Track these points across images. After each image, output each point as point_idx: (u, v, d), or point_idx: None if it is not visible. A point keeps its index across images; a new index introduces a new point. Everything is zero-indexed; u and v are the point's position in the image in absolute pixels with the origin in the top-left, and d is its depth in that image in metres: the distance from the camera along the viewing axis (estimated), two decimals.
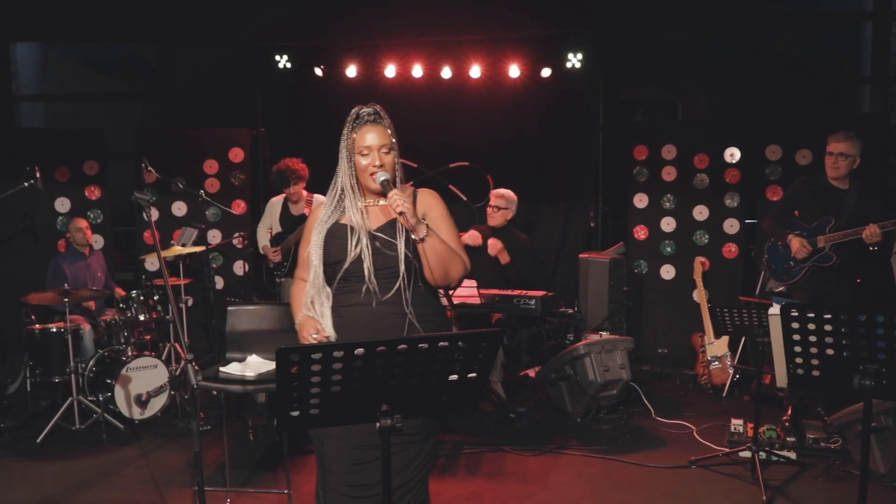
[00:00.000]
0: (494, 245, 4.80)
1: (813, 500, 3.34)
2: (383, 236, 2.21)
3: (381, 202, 2.28)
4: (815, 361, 2.34)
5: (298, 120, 6.23)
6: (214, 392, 4.33)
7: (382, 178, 2.19)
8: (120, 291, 5.12)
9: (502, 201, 4.93)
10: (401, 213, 2.11)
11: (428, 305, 2.27)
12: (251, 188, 6.20)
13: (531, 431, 4.29)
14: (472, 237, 4.85)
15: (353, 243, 2.20)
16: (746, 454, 3.68)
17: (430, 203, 2.31)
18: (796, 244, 4.13)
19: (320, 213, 2.32)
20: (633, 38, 6.74)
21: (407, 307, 2.19)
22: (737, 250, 5.69)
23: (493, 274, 4.79)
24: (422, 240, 2.15)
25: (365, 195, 2.30)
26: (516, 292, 4.51)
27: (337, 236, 2.24)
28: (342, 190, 2.29)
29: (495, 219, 4.94)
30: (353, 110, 2.27)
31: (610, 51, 6.17)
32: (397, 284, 2.19)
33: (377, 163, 2.21)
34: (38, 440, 4.13)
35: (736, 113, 7.19)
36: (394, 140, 2.25)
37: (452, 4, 5.37)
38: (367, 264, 2.18)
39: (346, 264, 2.21)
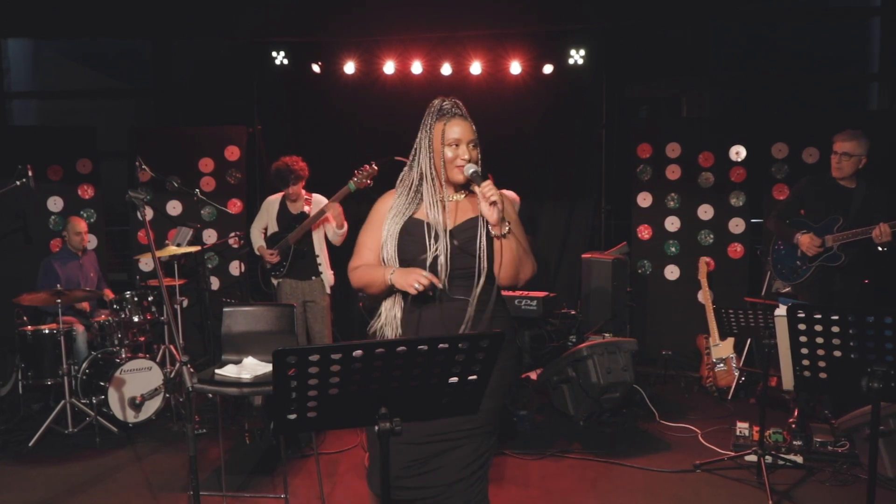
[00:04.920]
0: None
1: None
2: (463, 234, 2.18)
3: (458, 197, 2.25)
4: (822, 363, 2.34)
5: (296, 117, 6.21)
6: (210, 395, 4.30)
7: (472, 170, 2.16)
8: (109, 294, 5.04)
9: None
10: (492, 203, 2.07)
11: (501, 305, 2.26)
12: (247, 187, 6.17)
13: (533, 435, 4.26)
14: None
15: (432, 242, 2.16)
16: (752, 458, 3.64)
17: (505, 203, 2.26)
18: (806, 241, 4.07)
19: (392, 201, 2.26)
20: (637, 33, 6.70)
21: (487, 305, 2.17)
22: (742, 250, 5.64)
23: None
24: (504, 236, 2.12)
25: (444, 190, 2.24)
26: (518, 293, 4.45)
27: (412, 233, 2.20)
28: (419, 180, 2.24)
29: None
30: (436, 102, 2.26)
31: (613, 47, 6.14)
32: (477, 283, 2.15)
33: (466, 156, 2.19)
34: (31, 444, 4.08)
35: (741, 110, 7.16)
36: (477, 138, 2.23)
37: None
38: (444, 263, 2.15)
39: (429, 263, 2.15)
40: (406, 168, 2.29)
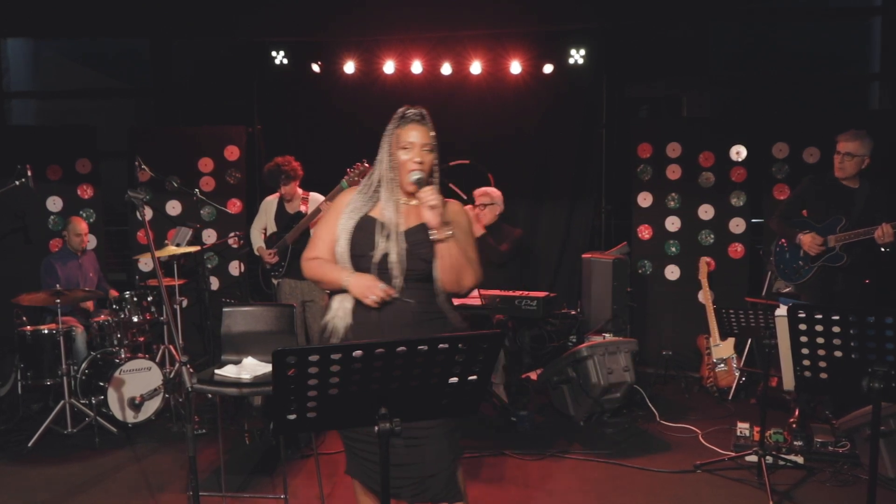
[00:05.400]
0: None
1: None
2: (414, 237, 2.25)
3: (415, 202, 2.32)
4: (822, 364, 2.33)
5: (295, 117, 6.19)
6: (209, 395, 4.28)
7: (417, 177, 2.24)
8: (114, 293, 5.05)
9: (486, 198, 4.88)
10: (432, 207, 2.18)
11: (450, 310, 2.33)
12: (247, 187, 6.15)
13: (533, 435, 4.25)
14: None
15: (382, 239, 2.24)
16: (753, 458, 3.63)
17: (456, 213, 2.36)
18: (808, 240, 4.06)
19: (351, 198, 2.35)
20: (637, 33, 6.69)
21: (433, 307, 2.26)
22: (743, 250, 5.64)
23: (497, 276, 4.71)
24: (441, 240, 2.20)
25: (400, 193, 2.33)
26: (518, 293, 4.44)
27: (365, 229, 2.27)
28: (378, 183, 2.33)
29: (485, 217, 4.88)
30: (400, 109, 2.33)
31: (613, 46, 6.12)
32: (425, 286, 2.25)
33: (417, 159, 2.26)
34: (30, 444, 4.07)
35: (742, 110, 7.15)
36: (435, 143, 2.31)
37: None
38: (396, 262, 2.21)
39: (375, 260, 2.22)
40: (372, 169, 2.38)
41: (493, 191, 4.93)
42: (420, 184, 2.23)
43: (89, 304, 5.04)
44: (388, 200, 2.29)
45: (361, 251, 2.25)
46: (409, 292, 2.24)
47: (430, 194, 2.19)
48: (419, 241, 2.24)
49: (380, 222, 2.26)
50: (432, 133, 2.30)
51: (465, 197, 4.93)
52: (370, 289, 2.18)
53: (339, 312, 2.28)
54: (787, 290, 4.51)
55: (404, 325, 2.23)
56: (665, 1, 5.66)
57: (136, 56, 7.94)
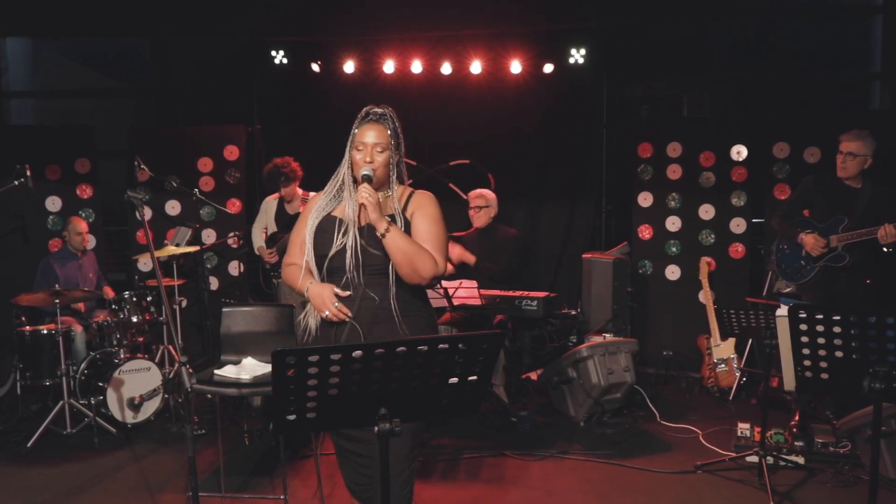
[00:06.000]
0: (458, 255, 4.74)
1: None
2: (370, 232, 2.28)
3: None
4: (823, 364, 2.34)
5: (295, 117, 6.19)
6: (209, 395, 4.28)
7: (364, 173, 2.29)
8: (109, 292, 5.03)
9: (481, 200, 4.86)
10: (362, 205, 2.22)
11: (411, 303, 2.34)
12: (246, 187, 6.15)
13: (533, 435, 4.24)
14: (460, 256, 4.75)
15: (339, 235, 2.29)
16: (753, 459, 3.63)
17: (421, 203, 2.39)
18: (810, 241, 4.05)
19: (318, 201, 2.41)
20: (638, 32, 6.68)
21: (392, 301, 2.28)
22: (744, 250, 5.63)
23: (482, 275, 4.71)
24: (381, 235, 2.23)
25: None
26: (518, 293, 4.43)
27: (326, 229, 2.34)
28: (342, 182, 2.39)
29: (479, 219, 4.87)
30: (364, 109, 2.37)
31: (614, 46, 6.12)
32: (381, 280, 2.28)
33: (368, 159, 2.30)
34: (29, 445, 4.06)
35: (742, 110, 7.14)
36: (393, 142, 2.35)
37: None
38: (349, 257, 2.27)
39: (330, 256, 2.29)
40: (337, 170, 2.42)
41: (489, 193, 4.92)
42: (365, 180, 2.27)
43: (80, 305, 5.02)
44: (349, 199, 2.34)
45: (323, 251, 2.31)
46: (370, 288, 2.27)
47: (361, 192, 2.23)
48: (374, 236, 2.27)
49: (339, 220, 2.32)
50: (390, 132, 2.33)
51: (465, 197, 4.92)
52: (324, 304, 2.24)
53: (311, 310, 2.34)
54: (788, 290, 4.50)
55: (368, 322, 2.27)
56: (665, 0, 5.64)
57: (135, 56, 7.93)
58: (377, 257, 2.27)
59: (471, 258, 4.74)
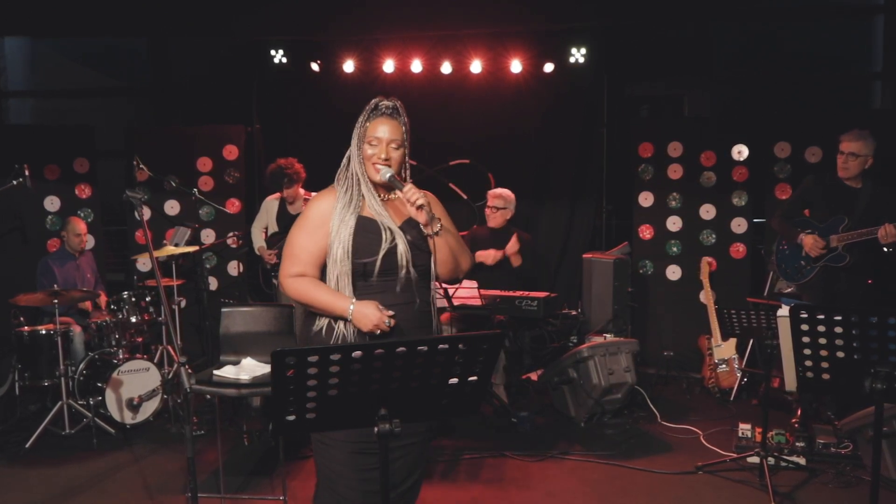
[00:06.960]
0: (514, 245, 4.65)
1: None
2: (411, 232, 2.19)
3: (392, 196, 2.26)
4: (824, 364, 2.33)
5: (294, 116, 6.18)
6: (208, 396, 4.26)
7: (388, 175, 2.15)
8: (103, 297, 5.01)
9: (500, 201, 4.82)
10: (420, 207, 2.10)
11: (434, 303, 2.30)
12: (246, 186, 6.14)
13: (533, 436, 4.24)
14: (488, 256, 4.68)
15: (387, 239, 2.14)
16: (754, 460, 3.62)
17: (431, 201, 2.29)
18: (809, 241, 4.04)
19: (328, 202, 2.20)
20: (639, 32, 6.67)
21: (431, 305, 2.24)
22: (745, 250, 5.62)
23: (502, 275, 4.68)
24: (436, 233, 2.14)
25: (374, 188, 2.24)
26: (518, 293, 4.42)
27: (369, 230, 2.16)
28: (356, 180, 2.21)
29: (495, 220, 4.83)
30: (374, 100, 2.21)
31: (614, 45, 6.11)
32: (425, 281, 2.23)
33: (383, 156, 2.17)
34: (28, 445, 4.05)
35: (743, 109, 7.13)
36: (406, 139, 2.22)
37: None
38: (402, 258, 2.14)
39: (380, 258, 2.12)
40: (342, 167, 2.27)
41: (508, 194, 4.87)
42: (393, 181, 2.15)
43: (87, 305, 5.01)
44: (374, 200, 2.20)
45: (368, 255, 2.13)
46: (418, 290, 2.20)
47: (415, 194, 2.10)
48: (416, 236, 2.19)
49: (378, 221, 2.17)
50: (404, 128, 2.20)
51: (465, 197, 4.90)
52: (372, 322, 2.06)
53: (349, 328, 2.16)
54: (789, 290, 4.49)
55: (415, 328, 2.18)
56: (666, 1, 5.63)
57: (134, 55, 7.92)
58: (424, 256, 2.18)
59: (518, 260, 4.66)
